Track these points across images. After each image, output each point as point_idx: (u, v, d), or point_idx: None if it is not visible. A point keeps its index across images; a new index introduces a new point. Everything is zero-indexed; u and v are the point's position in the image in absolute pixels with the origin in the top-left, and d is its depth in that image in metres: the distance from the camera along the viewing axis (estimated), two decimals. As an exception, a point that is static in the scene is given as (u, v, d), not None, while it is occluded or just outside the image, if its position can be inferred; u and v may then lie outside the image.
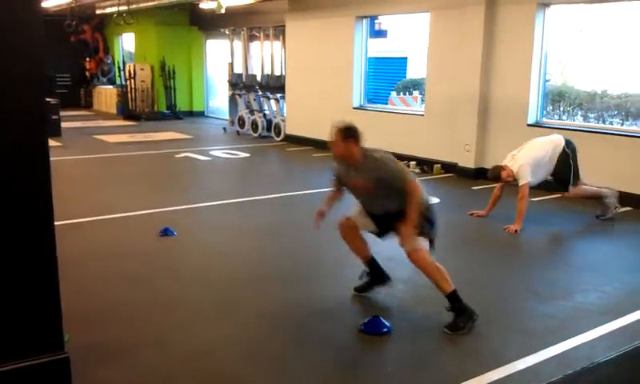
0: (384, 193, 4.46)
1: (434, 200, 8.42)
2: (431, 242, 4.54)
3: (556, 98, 10.34)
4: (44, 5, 16.38)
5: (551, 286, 5.33)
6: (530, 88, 9.32)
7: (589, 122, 9.90)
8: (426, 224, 4.48)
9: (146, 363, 3.88)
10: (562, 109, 10.38)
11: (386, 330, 4.30)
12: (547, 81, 9.81)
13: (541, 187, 8.95)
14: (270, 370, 3.85)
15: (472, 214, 7.70)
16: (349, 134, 4.48)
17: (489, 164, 9.89)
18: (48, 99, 11.01)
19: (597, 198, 7.56)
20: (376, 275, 4.99)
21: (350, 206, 4.94)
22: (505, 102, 9.65)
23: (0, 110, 3.09)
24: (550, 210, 8.14)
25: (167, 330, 4.36)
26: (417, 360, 4.02)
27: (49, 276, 3.34)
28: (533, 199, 8.51)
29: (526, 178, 7.06)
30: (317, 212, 4.78)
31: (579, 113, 10.28)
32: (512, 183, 7.26)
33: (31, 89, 3.19)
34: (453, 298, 4.39)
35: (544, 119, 9.57)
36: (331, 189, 4.92)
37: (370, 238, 4.95)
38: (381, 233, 4.82)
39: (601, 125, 9.54)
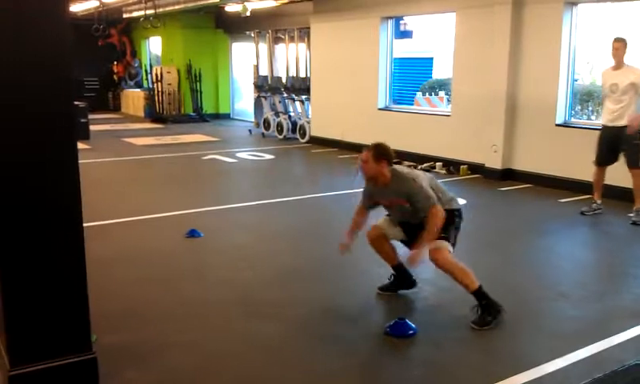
0: (412, 212, 4.53)
1: (461, 202, 8.38)
2: (453, 244, 4.58)
3: (584, 98, 10.21)
4: (72, 9, 16.63)
5: (581, 287, 5.26)
6: (559, 88, 9.20)
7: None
8: (453, 230, 4.57)
9: (172, 364, 3.90)
10: (590, 109, 10.24)
11: (412, 332, 4.27)
12: (575, 80, 9.68)
13: (568, 188, 8.85)
14: (296, 372, 3.84)
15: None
16: (381, 154, 4.53)
17: (516, 165, 9.83)
18: (77, 102, 11.15)
19: None
20: (402, 279, 5.02)
21: (377, 216, 4.94)
22: (533, 102, 9.54)
23: (30, 113, 3.15)
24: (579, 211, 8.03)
25: (194, 330, 4.39)
26: (443, 363, 3.98)
27: (77, 278, 3.39)
28: (561, 200, 8.43)
29: None
30: (341, 245, 4.82)
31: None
32: None
33: (60, 92, 3.23)
34: (479, 294, 4.43)
35: (572, 119, 9.44)
36: (357, 211, 4.95)
37: (398, 245, 4.94)
38: (409, 241, 4.79)
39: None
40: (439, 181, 4.88)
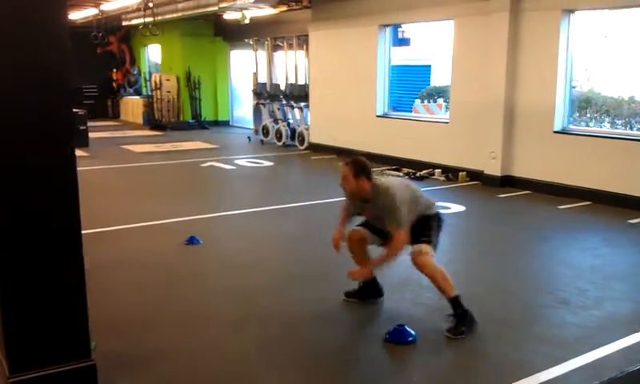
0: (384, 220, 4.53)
1: (460, 208, 8.39)
2: (435, 246, 4.59)
3: (582, 105, 10.23)
4: (70, 17, 16.66)
5: (581, 294, 5.26)
6: (556, 95, 9.22)
7: (616, 128, 9.77)
8: (435, 233, 4.60)
9: (171, 372, 3.90)
10: (588, 115, 10.26)
11: (411, 339, 4.27)
12: (573, 87, 9.71)
13: (567, 195, 8.87)
14: (294, 380, 3.84)
15: None
16: (360, 171, 4.49)
17: (515, 171, 9.84)
18: (76, 110, 11.17)
19: None
20: (371, 289, 5.02)
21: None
22: (531, 109, 9.56)
23: (29, 121, 3.15)
24: (579, 219, 8.04)
25: (193, 338, 4.38)
26: (443, 370, 3.98)
27: (76, 284, 3.39)
28: (560, 207, 8.44)
29: None
30: (334, 238, 4.82)
31: (606, 119, 10.15)
32: None
33: (59, 100, 3.24)
34: (456, 303, 4.40)
35: (571, 126, 9.46)
36: (344, 206, 4.96)
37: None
38: (385, 242, 4.73)
39: (628, 131, 9.41)
40: (426, 189, 4.87)
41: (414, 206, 4.53)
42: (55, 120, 3.23)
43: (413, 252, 4.44)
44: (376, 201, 4.50)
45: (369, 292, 5.03)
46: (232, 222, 7.88)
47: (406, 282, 5.40)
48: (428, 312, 4.89)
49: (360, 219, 4.90)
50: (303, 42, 14.66)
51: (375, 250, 4.82)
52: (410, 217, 4.47)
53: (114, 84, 22.73)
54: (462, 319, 4.37)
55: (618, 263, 6.25)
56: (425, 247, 4.44)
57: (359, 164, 4.52)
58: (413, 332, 4.30)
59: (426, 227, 4.55)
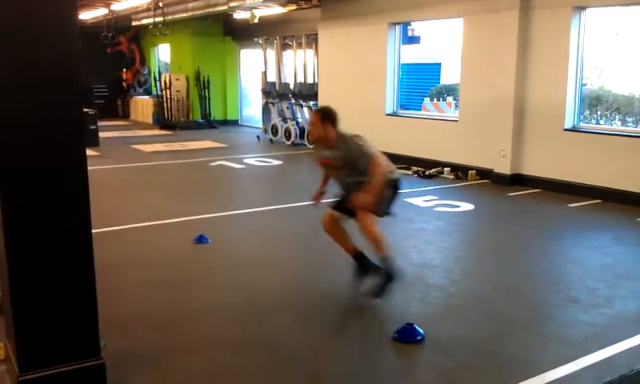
0: (350, 170, 4.89)
1: (470, 207, 8.37)
2: (386, 214, 4.97)
3: (593, 103, 10.16)
4: (80, 17, 16.74)
5: (591, 292, 5.23)
6: (567, 92, 9.17)
7: (627, 126, 9.70)
8: (387, 198, 4.90)
9: (180, 369, 3.91)
10: (599, 113, 10.20)
11: (420, 337, 4.26)
12: (584, 85, 9.65)
13: (577, 193, 8.82)
14: (304, 378, 3.84)
15: None
16: (326, 116, 4.98)
17: (525, 170, 9.80)
18: (86, 110, 11.22)
19: None
20: (363, 267, 5.10)
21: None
22: (541, 107, 9.52)
23: (40, 120, 3.18)
24: (589, 217, 8.00)
25: (201, 336, 4.40)
26: (451, 368, 3.97)
27: (86, 283, 3.41)
28: (570, 205, 8.40)
29: None
30: (315, 195, 5.32)
31: (617, 117, 10.08)
32: None
33: (69, 99, 3.26)
34: (386, 260, 4.76)
35: (581, 124, 9.41)
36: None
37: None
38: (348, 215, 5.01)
39: (639, 129, 9.35)
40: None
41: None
42: (66, 120, 3.25)
43: (359, 214, 4.75)
44: (340, 146, 4.88)
45: (364, 271, 5.09)
46: (241, 221, 7.90)
47: (414, 281, 5.40)
48: (436, 311, 4.89)
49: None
50: (312, 40, 14.66)
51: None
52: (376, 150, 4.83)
53: (124, 84, 22.81)
54: (386, 278, 4.77)
55: (627, 262, 6.21)
56: (365, 195, 4.71)
57: (326, 111, 5.05)
58: (421, 331, 4.30)
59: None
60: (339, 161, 4.90)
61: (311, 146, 14.36)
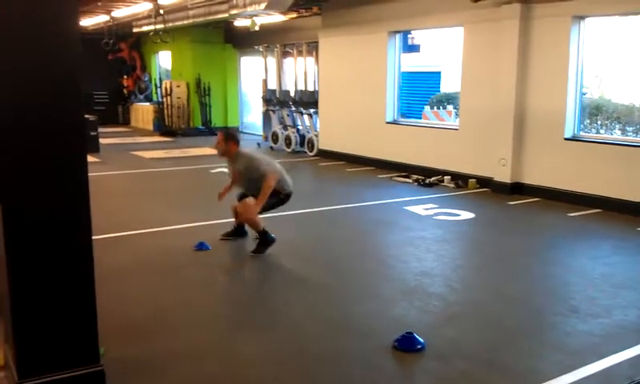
0: (247, 179, 6.51)
1: (470, 215, 8.36)
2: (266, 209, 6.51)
3: (593, 112, 10.17)
4: (82, 24, 16.79)
5: (591, 302, 5.23)
6: (567, 101, 9.19)
7: (627, 135, 9.71)
8: (271, 202, 6.49)
9: (180, 376, 3.90)
10: (599, 122, 10.21)
11: (420, 346, 4.26)
12: (584, 94, 9.66)
13: (577, 202, 8.83)
14: (303, 386, 3.84)
15: None
16: (229, 137, 6.65)
17: (525, 179, 9.81)
18: (87, 116, 11.23)
19: None
20: (239, 231, 7.07)
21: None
22: (541, 116, 9.53)
23: (41, 126, 3.18)
24: (589, 227, 8.00)
25: (202, 343, 4.39)
26: (452, 377, 3.96)
27: (86, 289, 3.41)
28: (570, 214, 8.41)
29: None
30: (219, 193, 6.96)
31: (617, 126, 10.09)
32: None
33: (70, 106, 3.27)
34: (262, 233, 6.46)
35: (581, 133, 9.42)
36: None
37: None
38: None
39: (639, 138, 9.35)
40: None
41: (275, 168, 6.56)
42: (67, 125, 3.25)
43: (239, 208, 6.57)
44: (238, 161, 6.54)
45: (239, 233, 7.05)
46: (241, 228, 7.88)
47: (414, 290, 5.40)
48: (436, 319, 4.88)
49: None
50: (313, 48, 14.69)
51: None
52: (272, 167, 6.50)
53: (125, 90, 22.85)
54: (263, 243, 6.43)
55: (627, 271, 6.21)
56: (250, 199, 6.37)
57: (229, 133, 6.81)
58: (421, 339, 4.29)
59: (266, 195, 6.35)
60: (238, 172, 6.60)
61: (312, 154, 14.39)
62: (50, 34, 3.16)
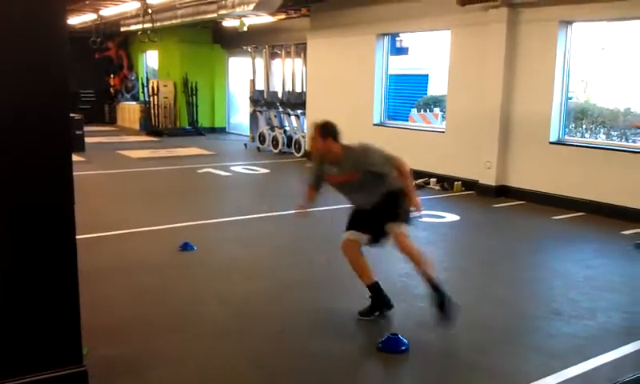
0: (370, 180, 4.59)
1: (455, 218, 8.39)
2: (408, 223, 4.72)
3: (578, 116, 10.25)
4: (69, 22, 16.67)
5: (574, 305, 5.26)
6: (553, 105, 9.25)
7: (612, 139, 9.80)
8: (405, 208, 4.66)
9: (163, 378, 3.89)
10: (584, 127, 10.29)
11: (404, 348, 4.26)
12: (570, 98, 9.73)
13: (561, 205, 8.89)
14: (287, 387, 3.84)
15: None
16: (327, 131, 4.62)
17: (510, 182, 9.87)
18: (72, 115, 11.18)
19: None
20: (379, 300, 4.84)
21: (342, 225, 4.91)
22: (527, 120, 9.59)
23: (26, 124, 3.16)
24: (573, 230, 8.05)
25: (185, 344, 4.37)
26: (435, 379, 3.98)
27: (68, 289, 3.38)
28: (554, 217, 8.46)
29: None
30: (297, 206, 5.05)
31: (602, 131, 10.17)
32: None
33: (56, 104, 3.24)
34: (433, 284, 4.55)
35: (566, 137, 9.49)
36: (308, 191, 5.03)
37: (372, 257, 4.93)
38: (374, 238, 4.78)
39: (624, 143, 9.44)
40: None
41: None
42: (52, 124, 3.23)
43: (395, 233, 4.55)
44: (348, 158, 4.58)
45: (379, 304, 4.83)
46: (227, 229, 7.87)
47: (399, 291, 5.40)
48: (421, 321, 4.89)
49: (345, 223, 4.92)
50: (301, 49, 14.69)
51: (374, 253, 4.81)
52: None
53: (112, 89, 22.72)
54: (439, 302, 4.51)
55: (610, 274, 6.25)
56: (404, 227, 4.59)
57: (326, 126, 4.64)
58: (406, 341, 4.30)
59: (396, 205, 4.61)
60: (358, 172, 4.58)
61: (299, 155, 14.37)
62: (37, 33, 3.13)
